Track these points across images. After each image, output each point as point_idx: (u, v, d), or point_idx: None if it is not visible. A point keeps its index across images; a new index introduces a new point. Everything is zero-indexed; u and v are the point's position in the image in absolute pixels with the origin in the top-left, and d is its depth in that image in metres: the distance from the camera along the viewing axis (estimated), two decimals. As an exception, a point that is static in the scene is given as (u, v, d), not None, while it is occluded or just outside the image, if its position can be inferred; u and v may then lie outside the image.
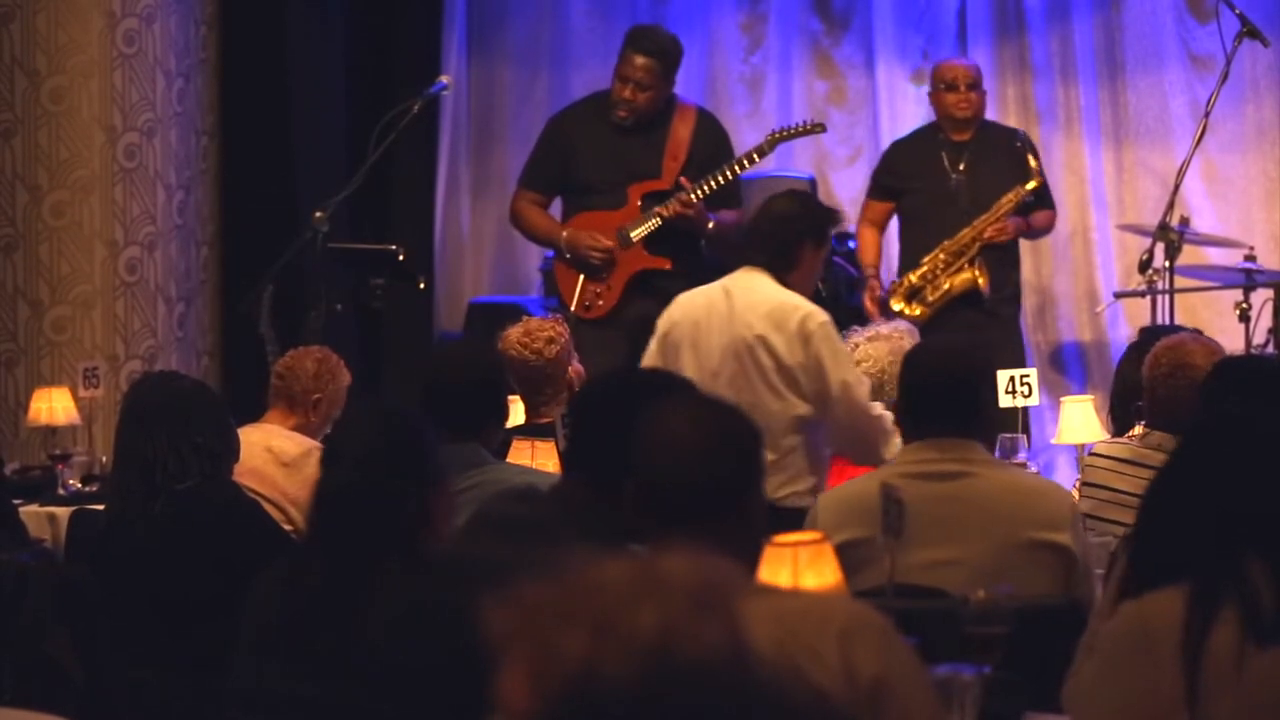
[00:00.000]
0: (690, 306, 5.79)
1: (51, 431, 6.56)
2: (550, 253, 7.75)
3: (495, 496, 3.84)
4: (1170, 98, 8.94)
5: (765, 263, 5.64)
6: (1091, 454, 5.23)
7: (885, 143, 8.89)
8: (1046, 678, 3.31)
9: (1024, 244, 7.98)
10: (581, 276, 7.20)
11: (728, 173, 7.12)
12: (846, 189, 9.22)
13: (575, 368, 5.44)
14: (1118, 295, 7.92)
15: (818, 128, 7.37)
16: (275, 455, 5.35)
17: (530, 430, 5.29)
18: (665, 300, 7.20)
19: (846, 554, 4.10)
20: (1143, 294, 7.44)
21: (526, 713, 1.70)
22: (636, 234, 7.16)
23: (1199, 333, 5.53)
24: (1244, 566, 2.85)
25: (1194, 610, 2.83)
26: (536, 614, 1.71)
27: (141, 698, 4.31)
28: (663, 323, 5.82)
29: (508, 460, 5.02)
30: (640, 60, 7.19)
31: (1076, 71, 9.04)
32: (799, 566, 2.97)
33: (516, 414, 5.20)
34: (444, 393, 4.66)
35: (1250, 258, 7.69)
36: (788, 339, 5.50)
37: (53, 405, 6.55)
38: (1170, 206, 7.38)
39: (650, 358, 5.80)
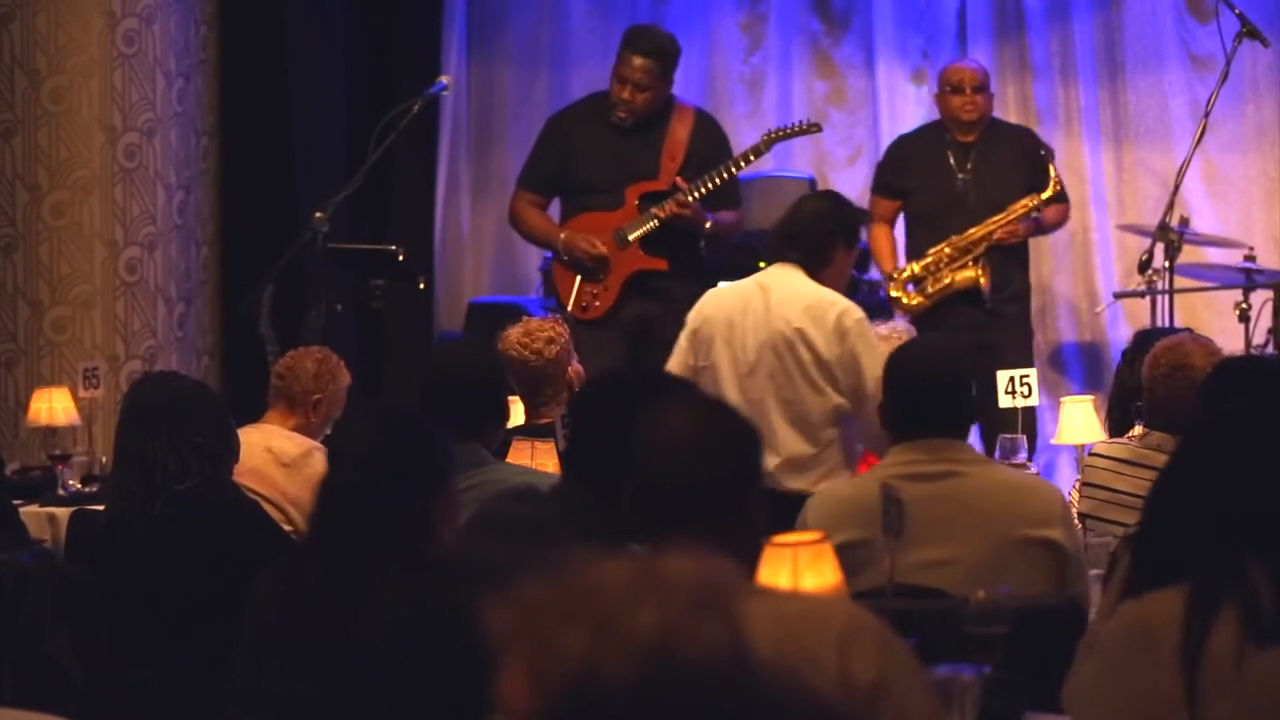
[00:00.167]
0: (723, 302, 5.82)
1: (51, 432, 6.56)
2: (550, 253, 7.76)
3: (495, 496, 3.85)
4: (1170, 98, 8.94)
5: (799, 260, 5.71)
6: (1091, 454, 5.23)
7: (885, 143, 8.88)
8: (1046, 678, 3.31)
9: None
10: (578, 277, 7.21)
11: (724, 173, 7.12)
12: (846, 189, 9.18)
13: (575, 368, 5.44)
14: (1118, 295, 7.92)
15: (814, 127, 7.38)
16: (275, 455, 5.35)
17: (530, 430, 5.29)
18: (662, 301, 7.23)
19: (843, 556, 4.11)
20: (1143, 294, 7.44)
21: (526, 712, 1.70)
22: (633, 235, 7.17)
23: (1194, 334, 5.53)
24: (1244, 567, 2.85)
25: (1193, 610, 2.84)
26: (536, 614, 1.71)
27: (141, 698, 4.31)
28: (694, 318, 5.84)
29: (508, 460, 5.02)
30: (638, 61, 7.20)
31: (1076, 71, 9.04)
32: (799, 566, 2.97)
33: (516, 414, 5.20)
34: (444, 393, 4.66)
35: (1250, 258, 7.69)
36: (825, 334, 5.55)
37: (53, 405, 6.55)
38: (1170, 206, 7.38)
39: (680, 354, 5.82)
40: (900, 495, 3.40)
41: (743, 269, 8.54)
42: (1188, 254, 7.71)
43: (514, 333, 5.37)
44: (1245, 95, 8.84)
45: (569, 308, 7.11)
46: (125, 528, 4.55)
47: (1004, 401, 6.06)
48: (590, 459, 3.48)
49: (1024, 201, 7.55)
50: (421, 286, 8.16)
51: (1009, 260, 7.66)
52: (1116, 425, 5.51)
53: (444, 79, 7.55)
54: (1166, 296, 7.38)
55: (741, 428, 2.91)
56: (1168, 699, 2.82)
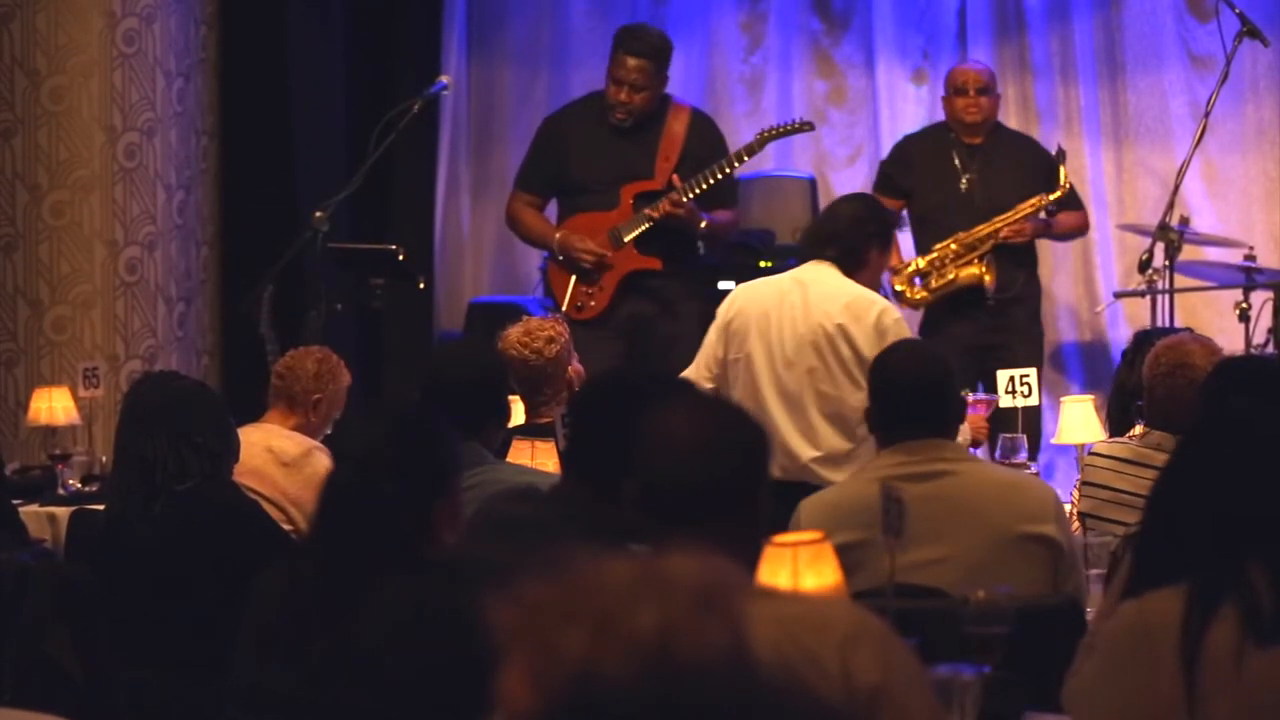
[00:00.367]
0: (758, 295, 5.83)
1: (51, 431, 6.55)
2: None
3: (495, 496, 3.85)
4: (1170, 98, 8.93)
5: (835, 259, 5.74)
6: (1091, 454, 5.23)
7: (885, 143, 8.89)
8: (1046, 678, 3.31)
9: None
10: (573, 277, 7.22)
11: (719, 172, 7.12)
12: (846, 189, 9.20)
13: (575, 368, 5.44)
14: (1118, 295, 7.92)
15: (806, 126, 7.39)
16: (275, 455, 5.34)
17: (530, 430, 5.29)
18: (657, 301, 7.24)
19: (840, 557, 4.11)
20: (1143, 294, 7.44)
21: (527, 712, 1.70)
22: (628, 235, 7.17)
23: (1195, 334, 5.53)
24: (1244, 567, 2.85)
25: (1193, 610, 2.84)
26: (537, 613, 1.71)
27: (141, 698, 4.31)
28: (726, 311, 5.85)
29: (508, 460, 5.02)
30: (633, 62, 7.21)
31: (1076, 71, 9.04)
32: (799, 566, 2.97)
33: (516, 414, 5.20)
34: (444, 392, 4.66)
35: (1250, 258, 7.69)
36: (865, 331, 5.57)
37: (53, 405, 6.55)
38: (1170, 206, 7.38)
39: (709, 347, 5.82)
40: (901, 495, 3.40)
41: (743, 268, 8.56)
42: (1188, 254, 7.71)
43: (514, 332, 5.37)
44: (1245, 95, 8.83)
45: (564, 308, 7.12)
46: (125, 528, 4.55)
47: (1004, 401, 6.07)
48: (590, 458, 3.48)
49: (1031, 201, 7.54)
50: (421, 286, 8.15)
51: (1016, 260, 7.65)
52: (1116, 425, 5.52)
53: (444, 79, 7.56)
54: (1166, 296, 7.39)
55: (746, 429, 2.91)
56: (1167, 699, 2.82)
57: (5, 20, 7.65)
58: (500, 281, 9.28)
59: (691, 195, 7.10)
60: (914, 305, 7.49)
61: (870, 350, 5.60)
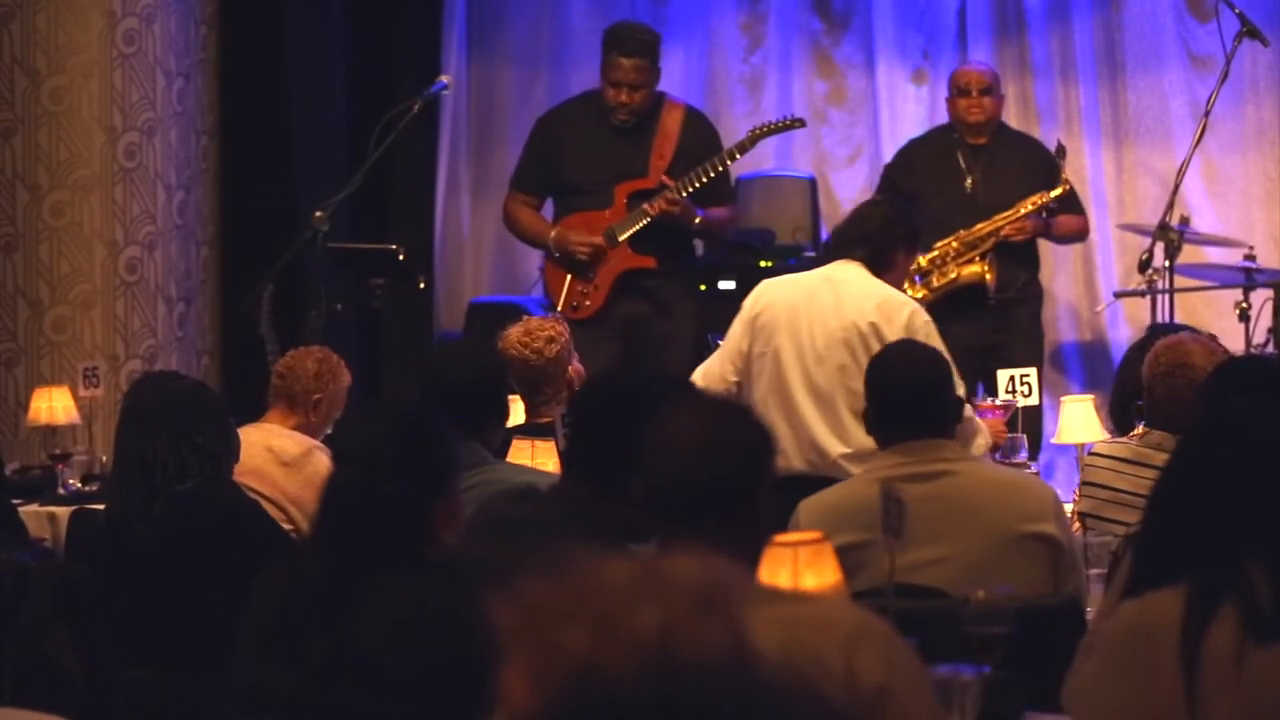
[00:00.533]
0: (786, 290, 5.82)
1: (51, 431, 6.55)
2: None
3: (495, 496, 3.84)
4: (1170, 98, 8.93)
5: (864, 258, 5.73)
6: (1091, 454, 5.23)
7: (885, 143, 8.89)
8: (1046, 678, 3.31)
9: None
10: (569, 276, 7.22)
11: (711, 170, 7.12)
12: (846, 189, 9.22)
13: (575, 368, 5.44)
14: (1118, 295, 7.92)
15: (798, 123, 7.38)
16: (275, 455, 5.34)
17: (530, 430, 5.29)
18: (652, 300, 7.23)
19: (839, 559, 4.11)
20: (1143, 294, 7.44)
21: (527, 712, 1.70)
22: (623, 234, 7.17)
23: (1203, 334, 5.52)
24: (1244, 567, 2.85)
25: (1192, 610, 2.83)
26: (538, 613, 1.71)
27: (141, 698, 4.31)
28: (753, 305, 5.83)
29: (508, 460, 5.02)
30: (628, 62, 7.21)
31: (1076, 71, 9.04)
32: (799, 566, 2.97)
33: (516, 414, 5.20)
34: (444, 392, 4.66)
35: (1250, 257, 7.69)
36: (896, 332, 5.55)
37: (53, 405, 6.55)
38: (1170, 206, 7.38)
39: (733, 340, 5.79)
40: (901, 495, 3.40)
41: (743, 268, 8.56)
42: (1188, 253, 7.71)
43: (514, 332, 5.37)
44: (1245, 95, 8.83)
45: (559, 307, 7.11)
46: (125, 528, 4.55)
47: (1004, 401, 6.07)
48: (590, 458, 3.48)
49: (1033, 199, 7.54)
50: (421, 286, 8.16)
51: (1018, 260, 7.65)
52: (1119, 424, 5.51)
53: (444, 79, 7.56)
54: (1166, 296, 7.39)
55: (751, 430, 2.91)
56: (1167, 699, 2.82)
57: (5, 20, 7.65)
58: (500, 281, 9.27)
59: (685, 193, 7.10)
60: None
61: None
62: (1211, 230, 8.47)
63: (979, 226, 7.51)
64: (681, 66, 9.33)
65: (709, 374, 5.82)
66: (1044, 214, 7.60)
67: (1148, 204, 8.78)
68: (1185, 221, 7.50)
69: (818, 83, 9.34)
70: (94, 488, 6.24)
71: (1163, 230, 7.33)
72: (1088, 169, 8.94)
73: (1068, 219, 7.73)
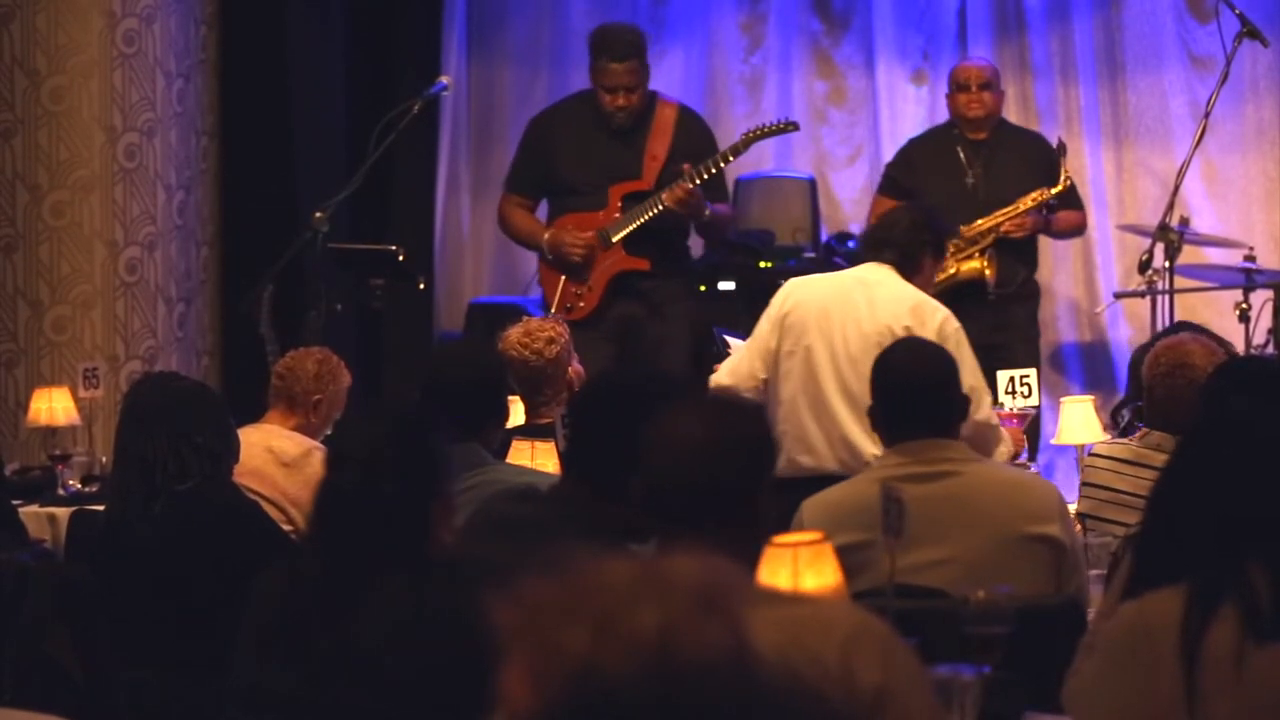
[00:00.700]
0: (816, 290, 5.80)
1: (51, 432, 6.55)
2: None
3: (495, 496, 3.84)
4: (1170, 98, 8.94)
5: (893, 261, 5.71)
6: (1091, 454, 5.24)
7: (885, 143, 8.89)
8: (1046, 678, 3.31)
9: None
10: (562, 278, 7.21)
11: (705, 171, 7.09)
12: (846, 189, 9.22)
13: (575, 368, 5.44)
14: (1118, 295, 7.92)
15: (791, 126, 7.36)
16: (275, 455, 5.35)
17: (530, 430, 5.29)
18: (646, 302, 7.22)
19: (840, 559, 4.11)
20: (1143, 294, 7.44)
21: (527, 711, 1.70)
22: (616, 235, 7.16)
23: (1209, 336, 5.51)
24: (1244, 567, 2.85)
25: (1192, 610, 2.83)
26: (538, 613, 1.71)
27: (141, 698, 4.31)
28: (783, 303, 5.79)
29: (508, 460, 5.02)
30: (619, 66, 7.20)
31: (1076, 71, 9.04)
32: (799, 566, 2.97)
33: (516, 414, 5.20)
34: (444, 392, 4.66)
35: (1250, 258, 7.69)
36: (929, 336, 5.49)
37: (53, 405, 6.55)
38: (1170, 206, 7.38)
39: (760, 339, 5.75)
40: (900, 495, 3.40)
41: (743, 268, 8.57)
42: (1188, 254, 7.71)
43: (514, 333, 5.37)
44: (1245, 95, 8.84)
45: (553, 309, 7.09)
46: (125, 528, 4.55)
47: (1004, 401, 6.07)
48: (590, 458, 3.48)
49: (1033, 195, 7.54)
50: (421, 286, 8.15)
51: (1018, 256, 7.65)
52: (1126, 425, 5.51)
53: (444, 79, 7.56)
54: (1167, 296, 7.38)
55: (752, 430, 2.91)
56: (1167, 699, 2.82)
57: (5, 20, 7.65)
58: (500, 281, 9.28)
59: (694, 184, 7.08)
60: None
61: None
62: (1211, 231, 8.47)
63: (979, 222, 7.52)
64: (681, 66, 9.33)
65: (737, 371, 5.78)
66: (1044, 211, 7.60)
67: (1148, 204, 8.78)
68: (1185, 222, 7.50)
69: (818, 83, 9.35)
70: (94, 488, 6.24)
71: (1163, 231, 7.33)
72: (1088, 169, 8.94)
73: (1067, 214, 7.74)
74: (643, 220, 7.13)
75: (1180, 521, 2.96)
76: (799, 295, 5.80)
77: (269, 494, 5.21)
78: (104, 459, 6.37)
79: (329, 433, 5.52)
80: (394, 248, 7.41)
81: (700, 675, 1.69)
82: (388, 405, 6.63)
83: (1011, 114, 8.82)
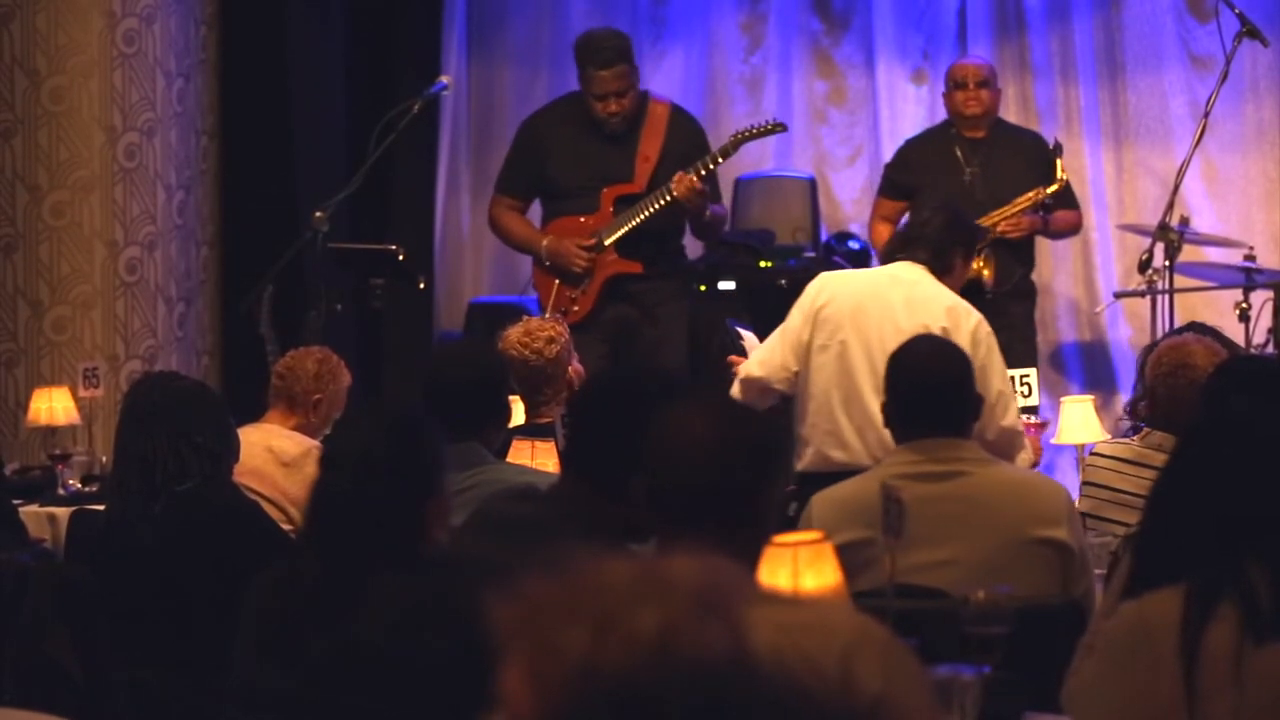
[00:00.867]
0: (850, 285, 5.74)
1: (51, 431, 6.56)
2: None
3: (494, 496, 3.84)
4: (1170, 98, 8.94)
5: (926, 261, 5.69)
6: (1093, 454, 5.24)
7: (885, 143, 8.89)
8: (1046, 678, 3.31)
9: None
10: (556, 282, 7.19)
11: (705, 166, 7.08)
12: (846, 189, 9.22)
13: (575, 368, 5.44)
14: (1118, 295, 7.92)
15: (779, 127, 7.33)
16: (275, 455, 5.35)
17: (530, 430, 5.28)
18: (640, 305, 7.20)
19: (846, 555, 4.10)
20: (1143, 294, 7.43)
21: (527, 711, 1.70)
22: (609, 238, 7.15)
23: (1220, 337, 5.51)
24: (1243, 567, 2.85)
25: (1192, 610, 2.83)
26: (537, 613, 1.71)
27: (141, 698, 4.31)
28: (815, 297, 5.72)
29: (508, 460, 5.02)
30: (606, 73, 7.17)
31: (1076, 71, 9.04)
32: (799, 566, 2.97)
33: (516, 414, 5.20)
34: (444, 392, 4.66)
35: (1250, 258, 7.69)
36: (963, 339, 5.43)
37: (53, 405, 6.55)
38: (1170, 206, 7.38)
39: (792, 332, 5.69)
40: (900, 495, 3.40)
41: (743, 268, 8.57)
42: (1188, 254, 7.71)
43: (514, 332, 5.37)
44: (1245, 95, 8.84)
45: (547, 312, 7.06)
46: (125, 528, 4.55)
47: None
48: (590, 458, 3.48)
49: (1028, 195, 7.54)
50: (421, 286, 8.15)
51: (1015, 256, 7.65)
52: (1133, 425, 5.51)
53: (444, 79, 7.55)
54: (1166, 296, 7.38)
55: (758, 429, 2.91)
56: (1167, 699, 2.82)
57: (5, 20, 7.66)
58: (500, 281, 9.28)
59: (700, 177, 7.05)
60: None
61: None
62: (1211, 230, 8.47)
63: (977, 222, 7.51)
64: (681, 66, 9.33)
65: (769, 363, 5.72)
66: (1039, 210, 7.60)
67: (1148, 204, 8.78)
68: (1185, 222, 7.50)
69: (818, 83, 9.35)
70: (94, 488, 6.24)
71: (1163, 230, 7.32)
72: (1088, 169, 8.94)
73: (1064, 214, 7.74)
74: (636, 223, 7.11)
75: (1180, 521, 2.96)
76: (833, 289, 5.73)
77: (269, 494, 5.21)
78: (104, 459, 6.37)
79: (328, 432, 5.52)
80: (394, 247, 7.41)
81: (699, 676, 1.69)
82: (381, 405, 6.64)
83: (1011, 114, 8.82)
